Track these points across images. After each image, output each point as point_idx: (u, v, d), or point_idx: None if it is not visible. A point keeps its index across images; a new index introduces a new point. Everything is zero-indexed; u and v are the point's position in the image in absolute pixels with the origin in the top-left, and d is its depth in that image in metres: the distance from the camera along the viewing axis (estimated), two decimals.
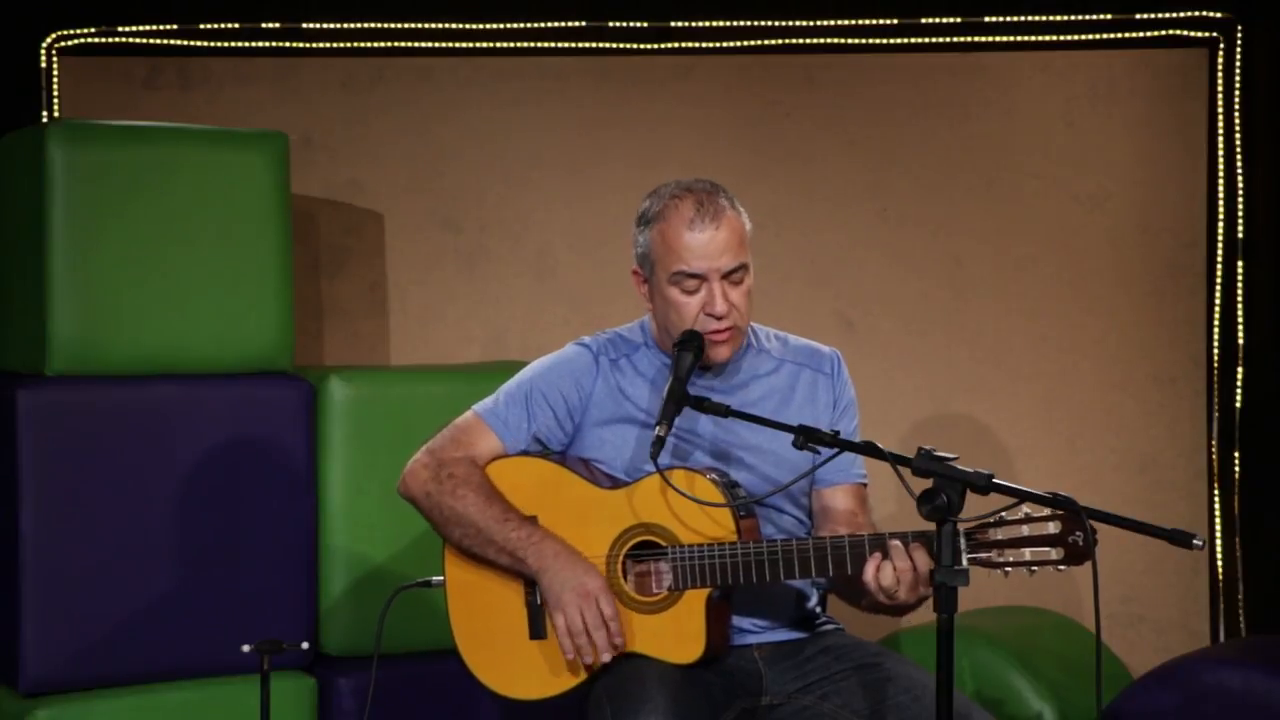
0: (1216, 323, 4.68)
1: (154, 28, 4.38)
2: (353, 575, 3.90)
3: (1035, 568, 2.71)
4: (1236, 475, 4.67)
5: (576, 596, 2.90)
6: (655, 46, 4.58)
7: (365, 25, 4.47)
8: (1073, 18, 4.65)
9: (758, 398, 3.09)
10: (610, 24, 4.56)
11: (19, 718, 3.60)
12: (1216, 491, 4.68)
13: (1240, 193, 4.65)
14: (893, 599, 2.81)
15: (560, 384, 3.09)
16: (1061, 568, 2.70)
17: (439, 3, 4.51)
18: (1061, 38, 4.67)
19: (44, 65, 4.31)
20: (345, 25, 4.46)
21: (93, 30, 4.35)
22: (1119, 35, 4.67)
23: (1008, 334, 4.70)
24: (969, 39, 4.65)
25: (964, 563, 2.66)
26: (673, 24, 4.58)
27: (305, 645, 3.48)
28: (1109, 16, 4.65)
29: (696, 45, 4.59)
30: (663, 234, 2.99)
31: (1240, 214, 4.65)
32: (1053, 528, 2.69)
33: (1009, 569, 2.72)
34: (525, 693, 3.01)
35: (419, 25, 4.50)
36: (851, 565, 2.83)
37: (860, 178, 4.66)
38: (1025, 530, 2.70)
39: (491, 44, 4.53)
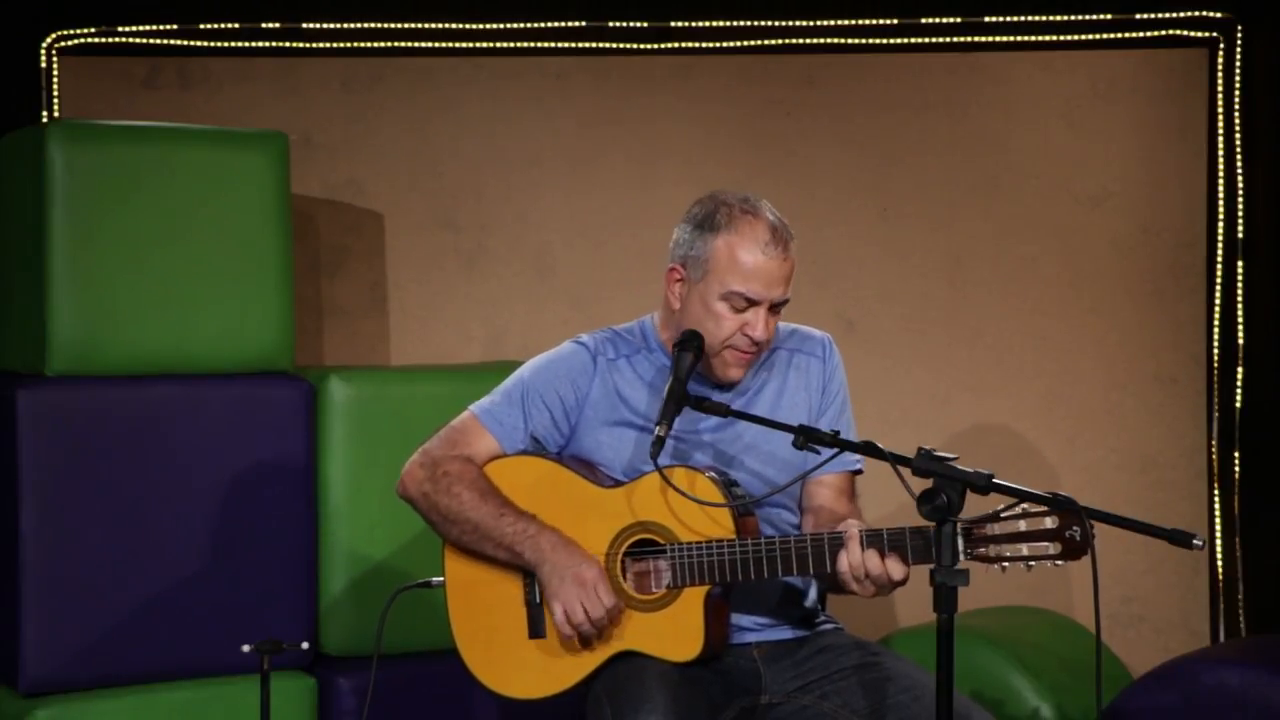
0: (1216, 323, 4.68)
1: (154, 28, 4.38)
2: (353, 575, 3.90)
3: (1032, 563, 2.71)
4: (1236, 475, 4.67)
5: (575, 586, 2.90)
6: (655, 46, 4.58)
7: (365, 25, 4.47)
8: (1073, 17, 4.65)
9: (755, 391, 3.09)
10: (610, 24, 4.56)
11: (19, 718, 3.60)
12: (1216, 491, 4.68)
13: (1240, 193, 4.65)
14: (864, 591, 2.83)
15: (556, 384, 3.09)
16: (1059, 563, 2.70)
17: (439, 3, 4.51)
18: (1061, 37, 4.67)
19: (44, 65, 4.31)
20: (345, 25, 4.46)
21: (93, 30, 4.35)
22: (1119, 35, 4.67)
23: (1008, 333, 4.70)
24: (969, 39, 4.65)
25: (961, 558, 2.66)
26: (673, 24, 4.58)
27: (305, 645, 3.48)
28: (1109, 16, 4.65)
29: (696, 45, 4.59)
30: (730, 247, 2.97)
31: (1240, 214, 4.65)
32: (1049, 523, 2.69)
33: (1006, 564, 2.72)
34: (524, 692, 3.01)
35: (419, 25, 4.50)
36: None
37: (860, 177, 4.66)
38: (1022, 526, 2.71)
39: (491, 44, 4.53)
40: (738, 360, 3.00)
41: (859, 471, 3.16)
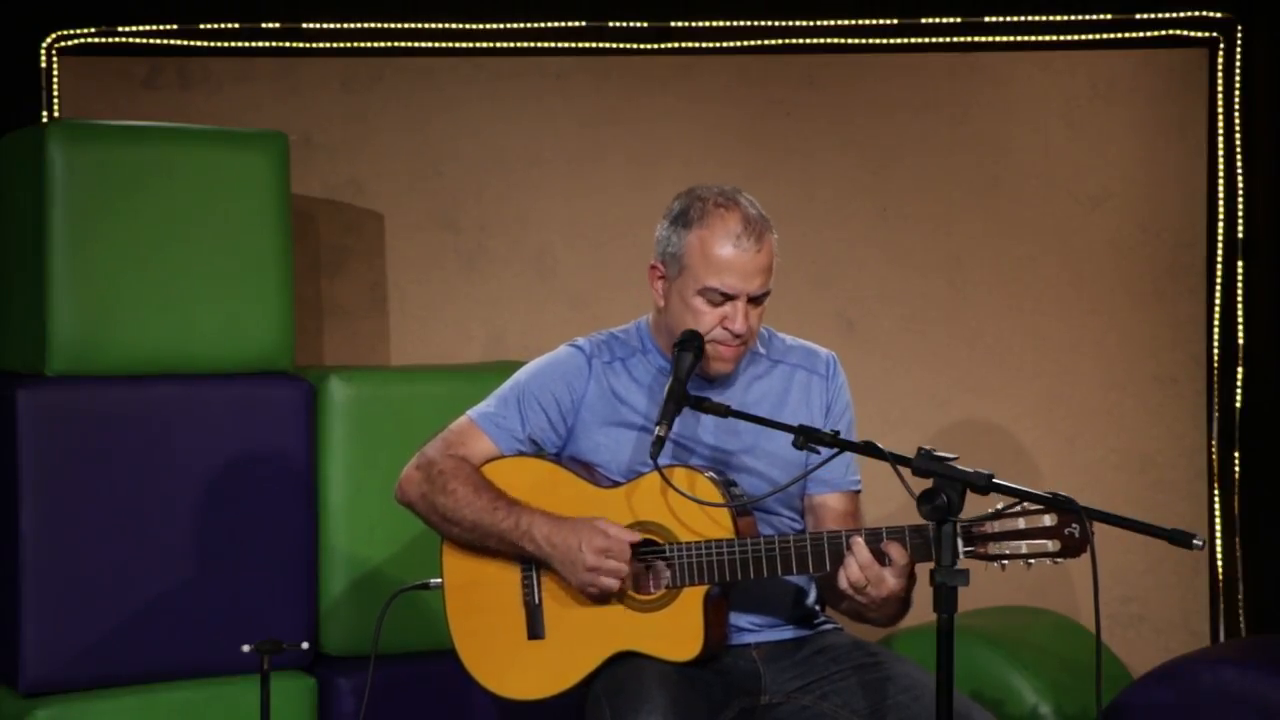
0: (1216, 323, 4.68)
1: (154, 28, 4.38)
2: (353, 575, 3.90)
3: (1032, 560, 2.72)
4: (1236, 475, 4.67)
5: (590, 572, 2.90)
6: (655, 46, 4.58)
7: (365, 25, 4.47)
8: (1073, 18, 4.65)
9: (752, 401, 3.08)
10: (610, 24, 4.56)
11: (19, 718, 3.60)
12: (1216, 491, 4.68)
13: (1240, 193, 4.65)
14: (864, 594, 2.82)
15: (552, 386, 3.09)
16: (1058, 560, 2.70)
17: (439, 3, 4.51)
18: (1061, 38, 4.67)
19: (44, 65, 4.31)
20: (345, 25, 4.46)
21: (93, 30, 4.35)
22: (1119, 35, 4.67)
23: (1008, 333, 4.70)
24: (969, 39, 4.65)
25: (960, 555, 2.66)
26: (673, 24, 4.58)
27: (305, 645, 3.49)
28: (1109, 16, 4.65)
29: (696, 45, 4.59)
30: (703, 241, 2.96)
31: (1240, 214, 4.66)
32: (1049, 520, 2.70)
33: (1005, 562, 2.72)
34: (523, 693, 3.02)
35: (419, 25, 4.50)
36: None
37: (860, 177, 4.66)
38: (1021, 524, 2.71)
39: (491, 44, 4.53)
40: (720, 355, 2.99)
41: (858, 491, 3.15)
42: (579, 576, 2.92)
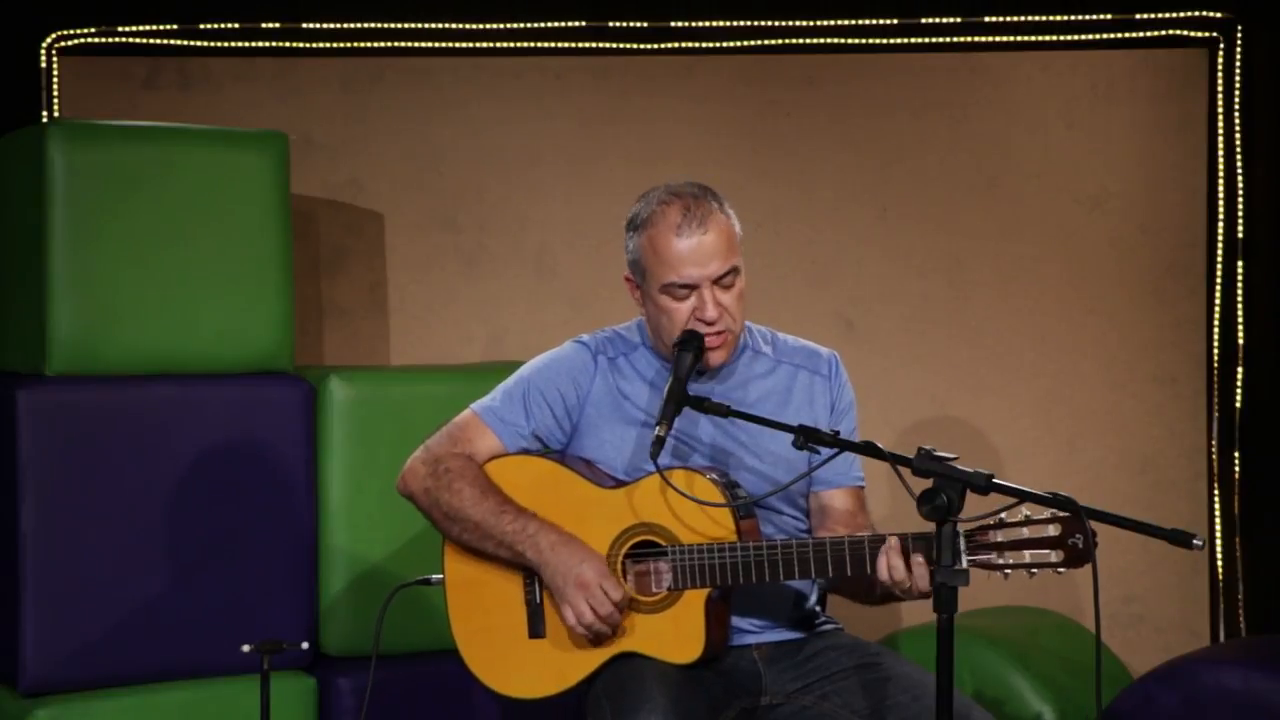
0: (1216, 323, 4.68)
1: (154, 28, 4.38)
2: (353, 575, 3.90)
3: (1035, 570, 2.71)
4: (1236, 475, 4.67)
5: (578, 589, 2.90)
6: (655, 46, 4.58)
7: (365, 25, 4.47)
8: (1073, 18, 4.65)
9: (755, 400, 3.08)
10: (610, 24, 4.56)
11: (19, 718, 3.60)
12: (1216, 491, 4.68)
13: (1240, 193, 4.65)
14: (906, 593, 2.82)
15: (558, 382, 3.09)
16: (1061, 570, 2.70)
17: (439, 3, 4.51)
18: (1061, 38, 4.67)
19: (44, 65, 4.31)
20: (345, 25, 4.46)
21: (93, 30, 4.35)
22: (1119, 35, 4.67)
23: (1008, 334, 4.70)
24: (969, 39, 4.65)
25: (964, 564, 2.66)
26: (673, 24, 4.58)
27: (305, 645, 3.48)
28: (1109, 16, 4.65)
29: (697, 45, 4.59)
30: (651, 241, 2.98)
31: (1240, 214, 4.66)
32: (1052, 530, 2.69)
33: (1009, 571, 2.72)
34: (524, 692, 3.02)
35: (419, 25, 4.50)
36: (851, 566, 2.84)
37: (860, 177, 4.66)
38: (1025, 532, 2.71)
39: (491, 44, 4.53)
40: (709, 345, 2.98)
41: (862, 486, 3.15)
42: (566, 590, 2.91)
